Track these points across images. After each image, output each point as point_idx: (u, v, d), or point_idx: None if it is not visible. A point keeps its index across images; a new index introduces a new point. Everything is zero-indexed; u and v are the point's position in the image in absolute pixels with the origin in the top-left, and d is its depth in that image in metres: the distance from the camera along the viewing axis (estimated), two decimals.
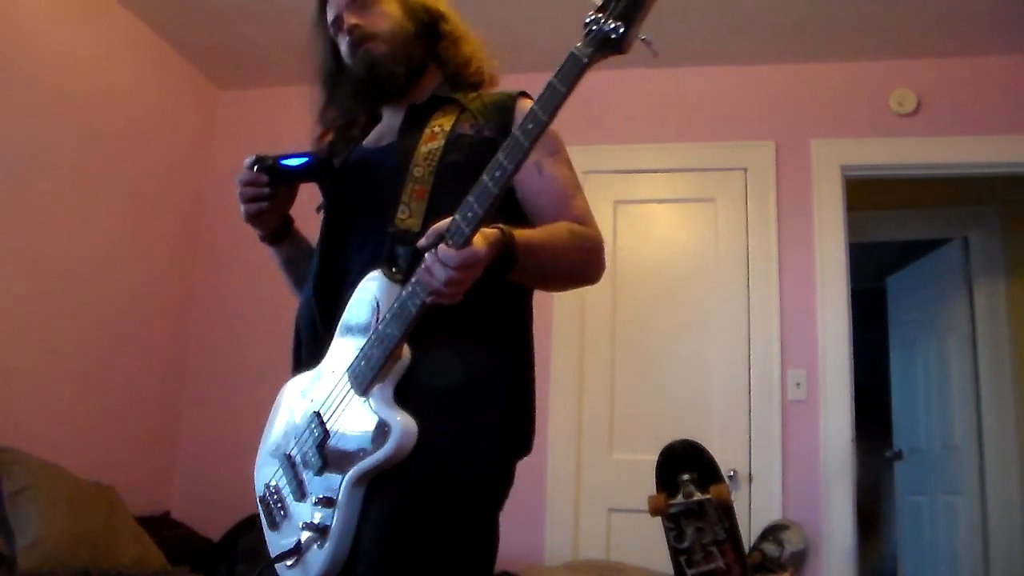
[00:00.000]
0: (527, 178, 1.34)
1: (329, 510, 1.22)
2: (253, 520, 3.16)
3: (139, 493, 3.19)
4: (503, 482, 1.31)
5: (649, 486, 2.35)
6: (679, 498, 2.28)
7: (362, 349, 1.24)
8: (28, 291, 2.84)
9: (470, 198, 1.10)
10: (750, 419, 3.19)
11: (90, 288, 3.11)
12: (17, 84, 2.79)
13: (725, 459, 2.83)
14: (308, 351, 1.41)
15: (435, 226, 1.14)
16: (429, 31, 1.48)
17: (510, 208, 1.34)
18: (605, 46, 1.03)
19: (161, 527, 3.11)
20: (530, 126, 1.08)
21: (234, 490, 3.42)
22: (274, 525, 1.34)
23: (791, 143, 3.41)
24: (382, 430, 1.18)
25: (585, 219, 1.36)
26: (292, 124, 4.39)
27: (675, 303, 3.37)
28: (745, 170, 3.42)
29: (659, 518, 2.33)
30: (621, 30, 1.02)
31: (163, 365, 3.53)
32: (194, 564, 2.94)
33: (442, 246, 1.10)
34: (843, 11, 3.12)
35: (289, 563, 1.26)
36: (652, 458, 2.36)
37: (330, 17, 1.49)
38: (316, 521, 1.23)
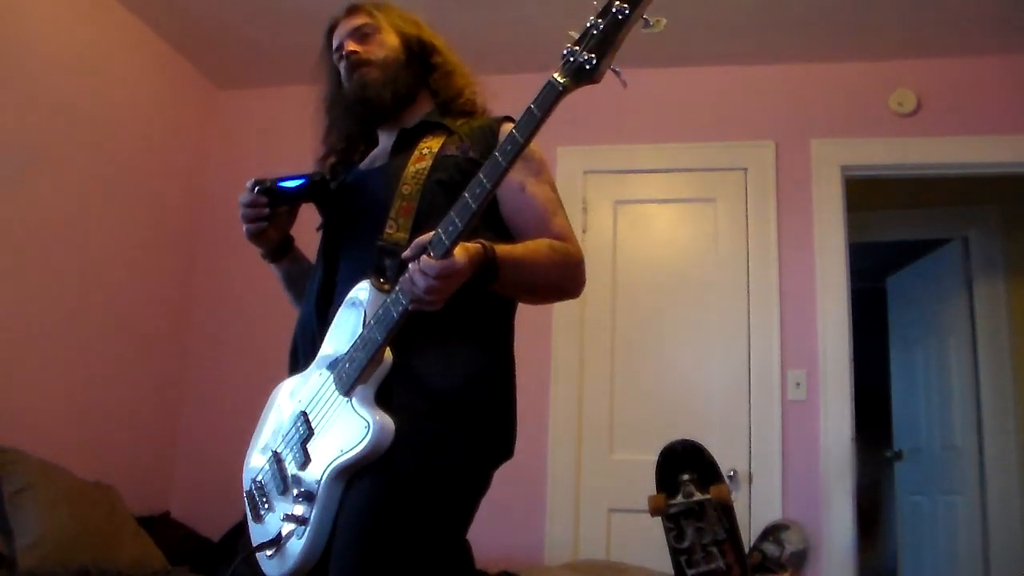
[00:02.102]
0: (511, 198, 1.43)
1: (309, 503, 1.29)
2: None
3: (139, 493, 3.19)
4: (478, 486, 1.37)
5: (649, 486, 2.35)
6: (679, 498, 2.29)
7: (347, 352, 1.31)
8: (28, 291, 2.84)
9: (452, 213, 1.18)
10: (750, 419, 3.19)
11: (90, 288, 3.11)
12: (17, 84, 2.79)
13: (725, 459, 2.83)
14: (305, 358, 1.47)
15: (419, 239, 1.21)
16: (421, 61, 1.59)
17: (498, 226, 1.43)
18: (579, 76, 1.12)
19: (161, 527, 3.11)
20: (508, 147, 1.16)
21: (234, 490, 3.41)
22: (258, 518, 1.42)
23: (791, 143, 3.41)
24: (362, 428, 1.25)
25: (566, 236, 1.44)
26: (292, 124, 4.39)
27: (675, 303, 3.37)
28: (745, 170, 3.42)
29: (659, 518, 2.33)
30: (594, 62, 1.11)
31: (163, 365, 3.53)
32: (194, 564, 2.93)
33: (424, 257, 1.18)
34: (843, 11, 3.12)
35: (269, 553, 1.33)
36: (652, 458, 2.36)
37: (334, 45, 1.61)
38: (297, 513, 1.30)
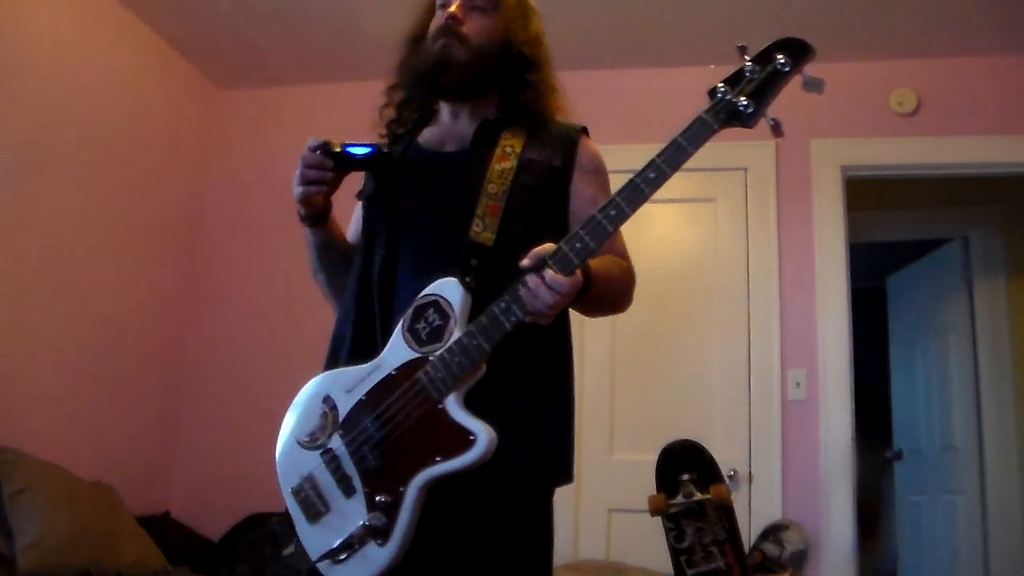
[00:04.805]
0: (582, 209, 1.42)
1: (393, 509, 1.23)
2: (253, 520, 3.16)
3: (139, 493, 3.19)
4: (550, 496, 1.39)
5: (649, 486, 2.35)
6: (679, 498, 2.28)
7: (439, 355, 1.26)
8: (28, 291, 2.83)
9: (581, 231, 1.18)
10: (750, 419, 3.19)
11: (90, 288, 3.11)
12: (16, 84, 2.79)
13: (725, 459, 2.82)
14: (353, 347, 1.39)
15: (537, 250, 1.20)
16: (511, 70, 1.50)
17: (561, 230, 1.39)
18: (734, 119, 1.17)
19: (161, 527, 3.11)
20: (652, 175, 1.18)
21: (234, 490, 3.43)
22: (313, 518, 1.33)
23: (791, 143, 3.41)
24: (464, 437, 1.21)
25: (625, 255, 1.48)
26: (292, 124, 4.39)
27: (675, 303, 3.37)
28: (745, 170, 3.42)
29: (659, 518, 2.33)
30: (751, 109, 1.16)
31: (163, 365, 3.53)
32: (194, 564, 2.93)
33: (550, 272, 1.17)
34: (843, 11, 3.12)
35: (341, 557, 1.27)
36: (652, 458, 2.36)
37: None
38: (375, 520, 1.24)
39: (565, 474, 1.39)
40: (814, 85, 1.15)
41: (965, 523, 3.98)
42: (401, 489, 1.23)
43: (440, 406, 1.24)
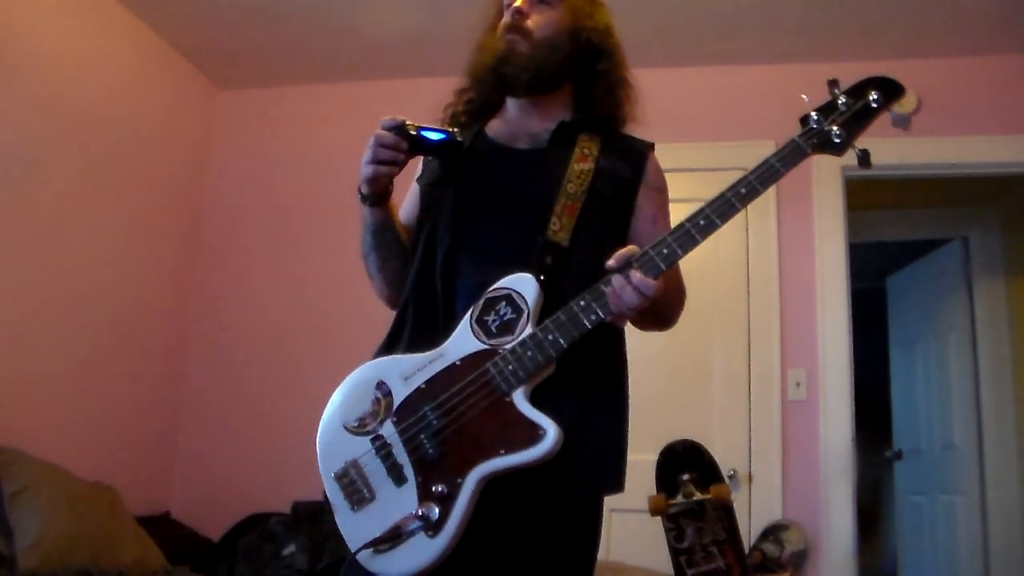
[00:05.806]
0: (643, 227, 1.47)
1: (447, 501, 1.21)
2: (253, 520, 3.16)
3: (139, 493, 3.19)
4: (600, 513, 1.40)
5: (649, 486, 2.35)
6: (679, 498, 2.29)
7: (510, 348, 1.25)
8: (28, 291, 2.83)
9: (668, 238, 1.22)
10: (750, 419, 3.19)
11: (90, 288, 3.11)
12: (16, 84, 2.79)
13: (725, 459, 2.83)
14: (415, 334, 1.37)
15: (622, 251, 1.22)
16: (581, 60, 1.50)
17: (621, 238, 1.43)
18: (826, 146, 1.27)
19: (161, 527, 3.11)
20: (743, 191, 1.27)
21: (234, 490, 3.43)
22: (357, 504, 1.29)
23: None
24: (533, 432, 1.21)
25: (679, 272, 1.48)
26: (292, 124, 4.38)
27: None
28: (745, 170, 3.41)
29: (659, 518, 2.33)
30: (841, 139, 1.26)
31: (163, 365, 3.53)
32: (194, 564, 2.94)
33: (637, 274, 1.19)
34: (843, 11, 3.12)
35: (382, 548, 1.24)
36: (652, 458, 2.36)
37: None
38: (427, 510, 1.22)
39: (617, 482, 1.37)
40: (901, 122, 1.25)
41: (965, 523, 3.98)
42: (459, 480, 1.22)
43: (508, 399, 1.23)
